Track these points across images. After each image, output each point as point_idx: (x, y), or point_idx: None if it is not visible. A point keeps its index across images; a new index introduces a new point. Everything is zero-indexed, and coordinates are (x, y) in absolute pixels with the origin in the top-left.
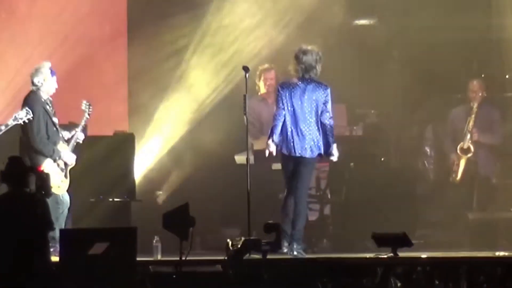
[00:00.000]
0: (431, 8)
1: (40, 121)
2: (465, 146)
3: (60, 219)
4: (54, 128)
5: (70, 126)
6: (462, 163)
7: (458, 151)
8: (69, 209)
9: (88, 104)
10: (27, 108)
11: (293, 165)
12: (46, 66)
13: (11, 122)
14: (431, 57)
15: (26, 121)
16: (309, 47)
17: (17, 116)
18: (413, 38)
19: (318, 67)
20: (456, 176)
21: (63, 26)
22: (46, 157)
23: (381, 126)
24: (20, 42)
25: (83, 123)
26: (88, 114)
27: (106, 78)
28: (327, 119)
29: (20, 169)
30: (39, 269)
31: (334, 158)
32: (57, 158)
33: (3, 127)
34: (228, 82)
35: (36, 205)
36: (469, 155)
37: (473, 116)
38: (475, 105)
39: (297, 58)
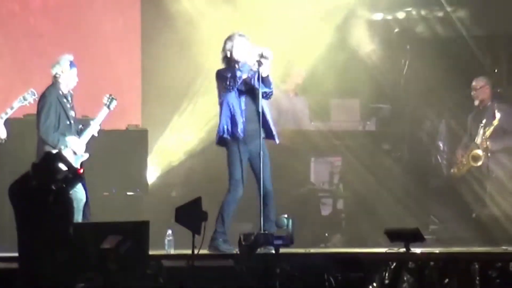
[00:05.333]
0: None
1: (50, 111)
2: (476, 154)
3: (75, 214)
4: (67, 122)
5: (83, 120)
6: (468, 165)
7: (469, 158)
8: (87, 203)
9: (111, 98)
10: (31, 89)
11: None
12: (65, 58)
13: (16, 104)
14: (444, 52)
15: (32, 101)
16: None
17: (21, 97)
18: (426, 32)
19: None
20: (459, 171)
21: (76, 18)
22: (51, 146)
23: (394, 120)
24: (34, 35)
25: (101, 116)
26: (108, 108)
27: (119, 71)
28: None
29: (51, 167)
30: (59, 264)
31: None
32: (62, 147)
33: (8, 110)
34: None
35: (61, 202)
36: (478, 163)
37: (491, 128)
38: (497, 118)
39: None
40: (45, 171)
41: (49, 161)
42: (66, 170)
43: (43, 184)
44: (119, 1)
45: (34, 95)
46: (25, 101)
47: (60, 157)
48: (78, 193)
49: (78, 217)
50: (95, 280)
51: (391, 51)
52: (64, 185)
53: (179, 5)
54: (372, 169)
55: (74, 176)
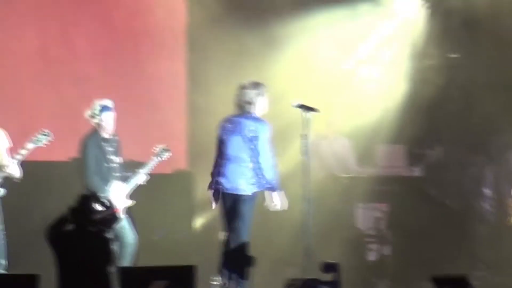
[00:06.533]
0: (491, 45)
1: (88, 156)
2: None
3: (124, 258)
4: (107, 166)
5: (131, 166)
6: None
7: None
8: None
9: (165, 149)
10: (44, 129)
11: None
12: (97, 103)
13: (29, 145)
14: (490, 96)
15: (46, 142)
16: (251, 81)
17: (34, 138)
18: (472, 77)
19: (259, 102)
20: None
21: (123, 63)
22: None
23: (440, 166)
24: (81, 80)
25: (150, 166)
26: (160, 158)
27: (165, 115)
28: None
29: (88, 209)
30: None
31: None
32: (105, 194)
33: (23, 151)
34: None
35: (101, 246)
36: None
37: None
38: None
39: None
40: (82, 213)
41: (85, 202)
42: (103, 211)
43: (80, 226)
44: (165, 45)
45: (47, 136)
46: (38, 142)
47: (96, 197)
48: (128, 237)
49: (127, 262)
50: None
51: (438, 97)
52: (102, 227)
53: (224, 47)
54: (419, 215)
55: (112, 216)
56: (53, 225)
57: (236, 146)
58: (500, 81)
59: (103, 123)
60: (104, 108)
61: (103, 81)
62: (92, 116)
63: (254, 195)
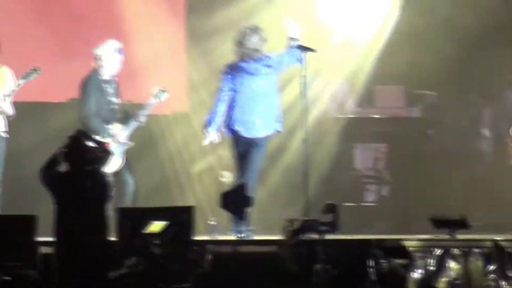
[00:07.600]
0: None
1: (90, 97)
2: None
3: (123, 200)
4: (109, 108)
5: (130, 107)
6: None
7: (511, 133)
8: (135, 188)
9: (162, 91)
10: (35, 66)
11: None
12: (112, 42)
13: (20, 81)
14: (489, 38)
15: (36, 76)
16: (251, 27)
17: (25, 74)
18: (470, 20)
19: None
20: None
21: (120, 3)
22: (93, 132)
23: (439, 107)
24: (77, 20)
25: (149, 108)
26: (158, 100)
27: (164, 57)
28: None
29: (80, 148)
30: (97, 248)
31: None
32: (105, 135)
33: (14, 88)
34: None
35: (97, 184)
36: None
37: None
38: None
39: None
40: (75, 153)
41: (76, 142)
42: (95, 148)
43: (74, 166)
44: None
45: (37, 71)
46: (28, 77)
47: (85, 135)
48: (127, 177)
49: (127, 201)
50: (139, 265)
51: (436, 38)
52: (97, 165)
53: None
54: (417, 156)
55: (104, 153)
56: (46, 166)
57: (252, 89)
58: (496, 23)
59: (111, 64)
60: (117, 50)
61: (100, 20)
62: (100, 56)
63: (267, 138)
